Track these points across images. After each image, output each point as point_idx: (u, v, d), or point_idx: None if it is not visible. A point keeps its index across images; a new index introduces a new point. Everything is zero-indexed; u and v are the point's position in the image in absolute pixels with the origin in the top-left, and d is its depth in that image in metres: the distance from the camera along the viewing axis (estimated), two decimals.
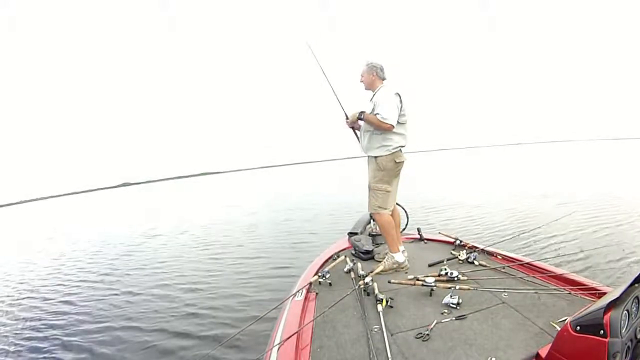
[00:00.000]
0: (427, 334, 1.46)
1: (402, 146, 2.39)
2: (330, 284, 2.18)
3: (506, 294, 1.76)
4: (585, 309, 1.04)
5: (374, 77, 2.42)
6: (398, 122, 2.29)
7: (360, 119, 2.40)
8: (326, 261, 2.62)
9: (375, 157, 2.38)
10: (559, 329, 1.32)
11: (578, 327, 1.01)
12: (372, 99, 2.38)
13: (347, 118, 2.55)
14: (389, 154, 2.34)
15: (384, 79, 2.44)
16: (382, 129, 2.28)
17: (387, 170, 2.37)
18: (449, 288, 1.77)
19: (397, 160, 2.37)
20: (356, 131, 2.59)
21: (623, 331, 0.96)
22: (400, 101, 2.30)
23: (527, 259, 2.19)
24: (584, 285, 1.72)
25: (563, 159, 29.30)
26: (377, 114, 2.24)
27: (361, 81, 2.51)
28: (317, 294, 2.06)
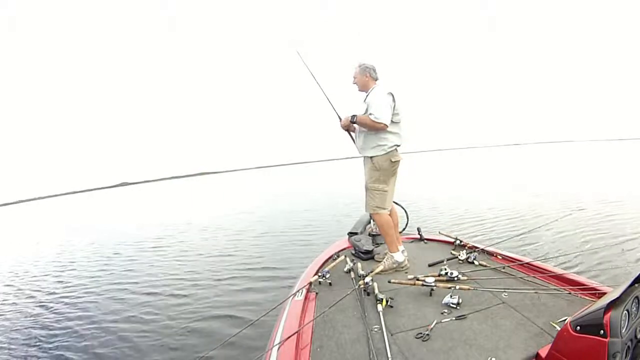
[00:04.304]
0: (427, 334, 1.46)
1: (398, 145, 2.39)
2: (330, 284, 2.18)
3: (506, 294, 1.75)
4: (585, 309, 1.04)
5: (367, 77, 2.42)
6: (392, 121, 2.29)
7: (354, 122, 2.40)
8: (326, 261, 2.62)
9: (371, 157, 2.38)
10: (559, 329, 1.32)
11: (578, 327, 1.01)
12: (365, 99, 2.39)
13: (340, 119, 2.55)
14: (385, 154, 2.34)
15: (376, 79, 2.44)
16: (375, 129, 2.28)
17: (383, 170, 2.37)
18: (449, 288, 1.77)
19: (393, 160, 2.37)
20: (351, 133, 2.59)
21: (623, 331, 0.96)
22: (394, 100, 2.30)
23: (527, 259, 2.19)
24: (584, 285, 1.72)
25: (563, 159, 29.36)
26: (370, 114, 2.24)
27: (354, 83, 2.50)
28: (317, 294, 2.06)
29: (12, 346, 3.46)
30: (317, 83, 2.62)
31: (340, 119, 2.57)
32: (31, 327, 3.85)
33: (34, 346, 3.39)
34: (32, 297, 5.02)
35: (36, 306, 4.58)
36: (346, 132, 2.61)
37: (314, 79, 2.61)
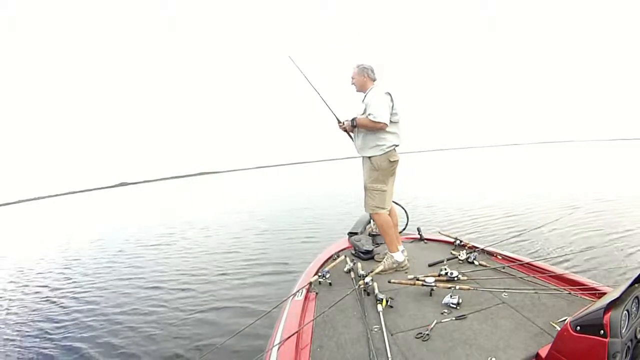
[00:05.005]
0: (427, 334, 1.46)
1: (396, 145, 2.39)
2: (330, 284, 2.18)
3: (506, 294, 1.76)
4: (585, 309, 1.04)
5: (365, 78, 2.43)
6: (391, 121, 2.30)
7: (354, 126, 2.41)
8: (326, 261, 2.62)
9: (370, 157, 2.38)
10: (559, 329, 1.32)
11: (578, 327, 1.01)
12: (364, 100, 2.39)
13: (339, 122, 2.55)
14: (383, 154, 2.34)
15: (374, 79, 2.45)
16: (375, 128, 2.29)
17: (382, 169, 2.37)
18: (449, 288, 1.77)
19: (392, 159, 2.37)
20: (350, 133, 2.59)
21: (623, 331, 0.96)
22: (392, 100, 2.31)
23: (527, 259, 2.19)
24: (584, 285, 1.72)
25: (562, 159, 29.36)
26: (369, 114, 2.24)
27: (352, 83, 2.51)
28: (317, 293, 2.06)
29: (23, 338, 3.56)
30: (312, 86, 2.61)
31: (338, 120, 2.57)
32: (40, 320, 3.98)
33: (44, 338, 3.50)
34: (39, 292, 5.16)
35: (45, 301, 4.71)
36: (344, 132, 2.61)
37: (308, 81, 2.60)
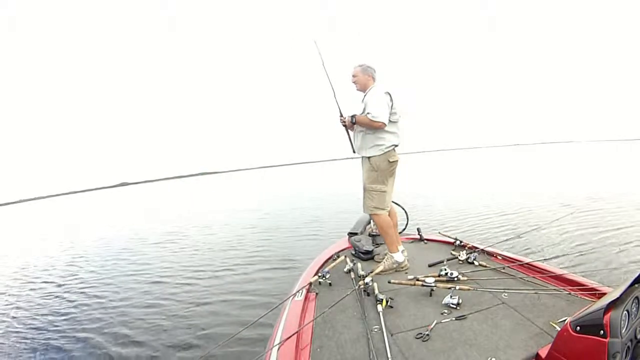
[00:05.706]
0: (427, 334, 1.46)
1: (395, 145, 2.38)
2: (330, 284, 2.18)
3: (506, 294, 1.75)
4: (585, 309, 1.04)
5: (368, 77, 2.43)
6: (390, 120, 2.29)
7: (353, 123, 2.41)
8: (326, 261, 2.62)
9: (369, 157, 2.38)
10: (559, 329, 1.32)
11: (578, 328, 1.01)
12: (363, 99, 2.39)
13: (342, 115, 2.55)
14: (382, 154, 2.34)
15: (375, 79, 2.45)
16: (373, 127, 2.28)
17: (381, 170, 2.36)
18: (449, 288, 1.77)
19: (391, 160, 2.36)
20: (349, 131, 2.58)
21: (623, 331, 0.96)
22: (391, 100, 2.31)
23: (527, 259, 2.19)
24: (584, 285, 1.72)
25: (563, 160, 29.33)
26: (368, 113, 2.24)
27: (354, 82, 2.50)
28: (317, 294, 2.06)
29: (32, 330, 3.65)
30: (326, 73, 2.58)
31: (341, 113, 2.56)
32: (48, 314, 4.12)
33: (53, 330, 3.61)
34: (45, 288, 5.29)
35: (52, 295, 4.83)
36: (344, 128, 2.60)
37: (324, 68, 2.58)
